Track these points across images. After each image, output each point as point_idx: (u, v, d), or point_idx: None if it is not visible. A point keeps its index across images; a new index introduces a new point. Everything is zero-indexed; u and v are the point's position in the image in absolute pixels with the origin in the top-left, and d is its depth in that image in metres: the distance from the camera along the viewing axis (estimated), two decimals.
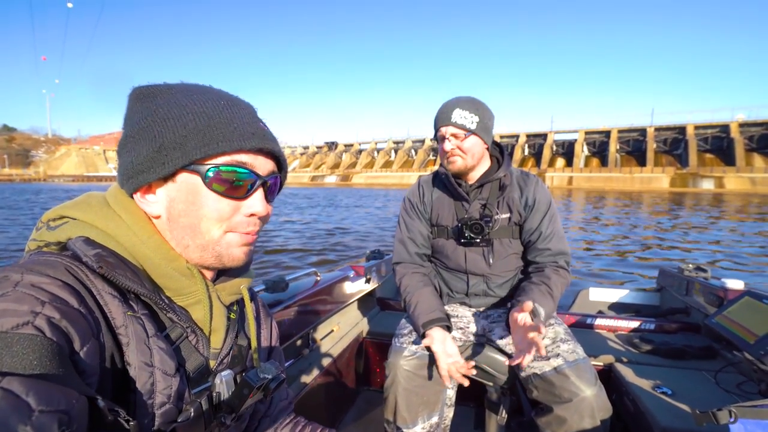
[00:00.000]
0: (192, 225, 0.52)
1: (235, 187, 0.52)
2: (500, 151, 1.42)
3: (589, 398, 1.13)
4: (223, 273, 0.61)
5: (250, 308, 0.65)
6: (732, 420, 0.75)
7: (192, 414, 0.51)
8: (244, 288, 0.62)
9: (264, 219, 0.58)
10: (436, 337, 1.23)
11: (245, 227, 0.55)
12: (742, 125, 48.87)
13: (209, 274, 0.59)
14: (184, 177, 0.51)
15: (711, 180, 42.59)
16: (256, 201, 0.55)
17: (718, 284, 1.84)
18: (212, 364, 0.57)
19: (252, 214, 0.55)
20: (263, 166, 0.55)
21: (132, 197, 0.54)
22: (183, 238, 0.53)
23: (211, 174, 0.50)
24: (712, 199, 27.07)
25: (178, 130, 0.49)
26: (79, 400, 0.37)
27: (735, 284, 1.78)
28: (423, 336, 1.25)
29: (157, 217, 0.54)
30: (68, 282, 0.43)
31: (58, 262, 0.45)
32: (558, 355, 1.20)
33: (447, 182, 1.38)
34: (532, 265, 1.39)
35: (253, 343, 0.64)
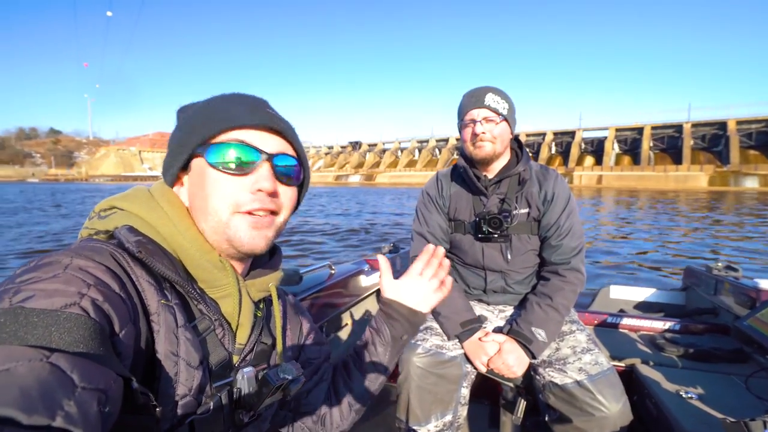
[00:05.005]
0: (202, 207, 0.54)
1: (236, 163, 0.53)
2: (519, 146, 1.39)
3: (613, 416, 1.10)
4: (253, 267, 0.63)
5: (277, 306, 0.66)
6: (767, 431, 0.69)
7: (211, 408, 0.52)
8: (272, 286, 0.63)
9: (276, 200, 0.57)
10: (474, 350, 1.29)
11: (250, 203, 0.54)
12: None
13: (240, 269, 0.60)
14: (195, 163, 0.56)
15: (755, 178, 40.02)
16: (261, 176, 0.54)
17: (751, 284, 1.74)
18: (235, 359, 0.58)
19: (258, 190, 0.54)
20: (269, 143, 0.56)
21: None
22: (200, 222, 0.55)
23: (212, 152, 0.53)
24: (758, 198, 25.42)
25: (191, 122, 0.55)
26: (117, 381, 0.38)
27: None
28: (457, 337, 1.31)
29: (189, 207, 0.57)
30: (111, 267, 0.45)
31: (103, 248, 0.47)
32: (580, 369, 1.17)
33: (465, 176, 1.36)
34: (544, 267, 1.36)
35: (278, 343, 0.64)
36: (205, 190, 0.54)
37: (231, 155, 0.53)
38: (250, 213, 0.55)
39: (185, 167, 0.56)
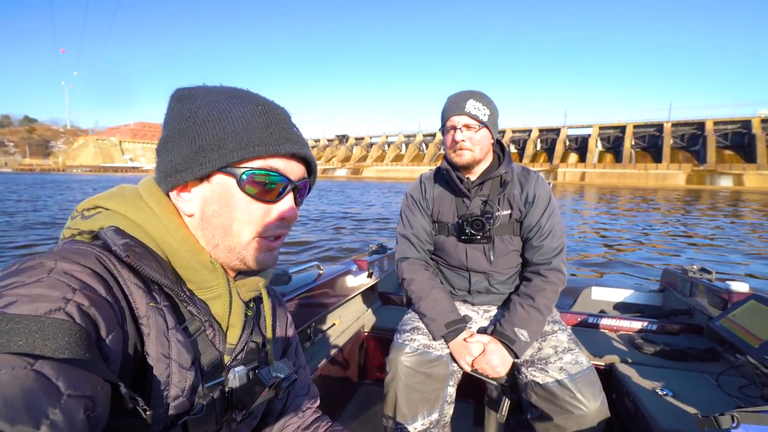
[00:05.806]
0: (224, 226, 0.53)
1: (267, 190, 0.53)
2: (501, 148, 1.41)
3: (592, 413, 1.13)
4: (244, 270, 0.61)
5: (267, 305, 0.65)
6: (734, 425, 0.74)
7: (204, 408, 0.52)
8: (262, 285, 0.63)
9: (292, 222, 0.59)
10: (459, 350, 1.29)
11: (274, 231, 0.56)
12: (764, 121, 47.26)
13: (231, 271, 0.59)
14: (219, 178, 0.52)
15: (729, 177, 41.43)
16: (287, 205, 0.56)
17: (723, 286, 1.80)
18: (226, 359, 0.58)
19: (282, 218, 0.56)
20: (295, 170, 0.56)
21: (168, 195, 0.55)
22: (213, 237, 0.54)
23: (245, 177, 0.51)
24: (730, 197, 26.32)
25: (217, 133, 0.50)
26: (104, 387, 0.37)
27: (740, 287, 1.74)
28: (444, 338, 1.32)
29: (191, 216, 0.55)
30: (97, 271, 0.44)
31: (89, 251, 0.46)
32: (561, 368, 1.20)
33: (448, 178, 1.37)
34: (527, 268, 1.39)
35: (269, 341, 0.64)
36: (232, 213, 0.53)
37: (264, 183, 0.53)
38: (268, 236, 0.56)
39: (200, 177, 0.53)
